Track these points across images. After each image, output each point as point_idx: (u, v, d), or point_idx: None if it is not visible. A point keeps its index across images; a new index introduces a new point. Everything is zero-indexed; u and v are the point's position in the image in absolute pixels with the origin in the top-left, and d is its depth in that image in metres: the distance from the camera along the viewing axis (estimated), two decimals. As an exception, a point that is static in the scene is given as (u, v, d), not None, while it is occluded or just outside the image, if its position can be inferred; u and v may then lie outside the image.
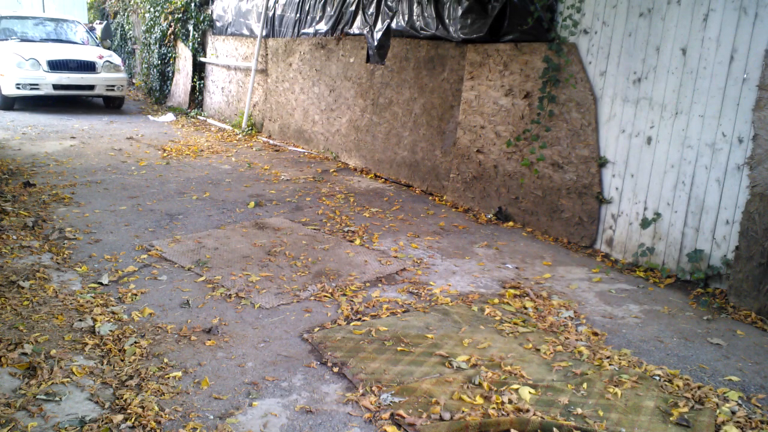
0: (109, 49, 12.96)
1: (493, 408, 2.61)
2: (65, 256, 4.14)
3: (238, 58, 10.33)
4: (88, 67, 10.85)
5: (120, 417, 2.43)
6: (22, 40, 11.26)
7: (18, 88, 10.20)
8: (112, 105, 11.80)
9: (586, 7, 4.82)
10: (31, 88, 10.31)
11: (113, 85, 11.15)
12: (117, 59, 11.42)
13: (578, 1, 4.85)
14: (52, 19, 12.57)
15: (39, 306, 3.37)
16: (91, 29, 13.75)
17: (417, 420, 2.49)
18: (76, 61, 10.73)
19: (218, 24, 11.02)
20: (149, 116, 11.12)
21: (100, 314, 3.30)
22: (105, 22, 13.49)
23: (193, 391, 2.67)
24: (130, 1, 14.67)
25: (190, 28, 11.64)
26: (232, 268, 4.08)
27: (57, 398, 2.56)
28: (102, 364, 2.83)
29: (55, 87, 10.54)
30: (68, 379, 2.69)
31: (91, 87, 10.95)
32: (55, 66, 10.48)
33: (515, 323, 3.48)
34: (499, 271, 4.34)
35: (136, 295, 3.60)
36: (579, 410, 2.63)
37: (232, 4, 10.50)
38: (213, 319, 3.36)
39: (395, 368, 2.90)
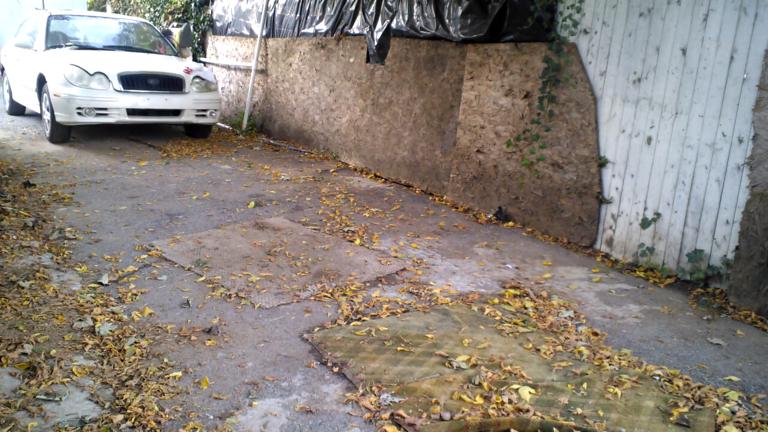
0: (190, 59, 10.12)
1: (493, 408, 2.61)
2: (65, 256, 4.14)
3: (238, 58, 10.33)
4: (174, 84, 7.93)
5: (120, 417, 2.43)
6: (80, 48, 8.37)
7: (79, 113, 7.31)
8: (197, 134, 8.87)
9: (586, 7, 4.82)
10: (98, 114, 7.41)
11: (205, 110, 8.18)
12: (209, 74, 8.49)
13: (578, 1, 4.85)
14: (116, 19, 9.71)
15: (39, 306, 3.37)
16: (166, 33, 11.03)
17: (417, 420, 2.49)
18: (158, 75, 7.84)
19: (218, 24, 11.02)
20: (149, 116, 11.10)
21: (100, 314, 3.30)
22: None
23: (193, 391, 2.67)
24: (130, 1, 14.68)
25: (190, 28, 11.62)
26: (232, 268, 4.08)
27: (57, 398, 2.56)
28: (102, 364, 2.83)
29: (130, 112, 7.60)
30: (68, 379, 2.69)
31: (177, 112, 7.99)
32: (130, 82, 7.60)
33: (515, 323, 3.48)
34: (499, 271, 4.34)
35: (136, 295, 3.60)
36: (579, 410, 2.63)
37: (232, 4, 10.50)
38: (213, 319, 3.36)
39: (395, 368, 2.90)
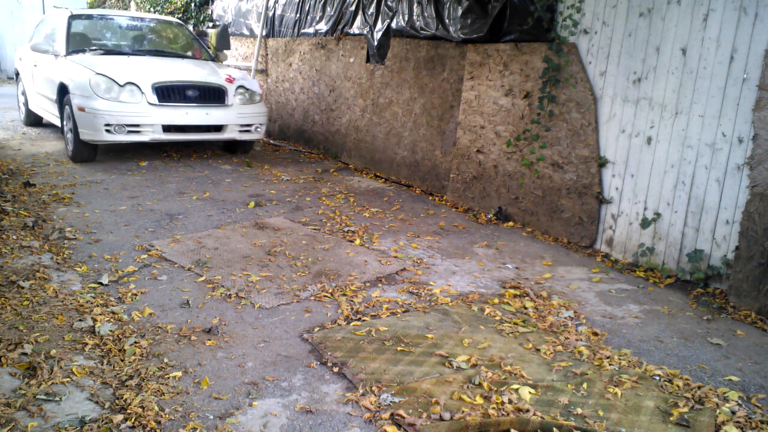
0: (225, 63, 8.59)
1: (493, 408, 2.61)
2: (65, 256, 4.14)
3: (238, 58, 10.33)
4: (215, 95, 6.88)
5: (120, 417, 2.43)
6: (106, 53, 7.39)
7: (108, 131, 6.31)
8: (239, 150, 7.78)
9: (586, 7, 4.82)
10: (129, 132, 6.42)
11: (250, 125, 7.10)
12: (253, 83, 7.38)
13: (578, 1, 4.85)
14: (144, 19, 8.56)
15: (39, 306, 3.37)
16: (201, 35, 9.87)
17: (417, 420, 2.49)
18: (197, 86, 6.78)
19: (218, 24, 11.02)
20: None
21: (100, 314, 3.30)
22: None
23: (193, 391, 2.67)
24: (129, 1, 14.68)
25: (190, 28, 11.61)
26: (232, 268, 4.08)
27: (57, 398, 2.56)
28: (102, 364, 2.83)
29: (166, 129, 6.60)
30: (68, 379, 2.69)
31: (219, 128, 6.93)
32: (166, 94, 6.58)
33: (515, 323, 3.48)
34: (499, 271, 4.34)
35: (136, 295, 3.60)
36: (579, 410, 2.63)
37: (232, 4, 10.51)
38: (213, 319, 3.36)
39: (395, 368, 2.90)
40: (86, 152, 6.74)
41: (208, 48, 8.59)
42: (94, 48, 7.43)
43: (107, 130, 6.33)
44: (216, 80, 6.97)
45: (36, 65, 7.98)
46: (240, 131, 7.08)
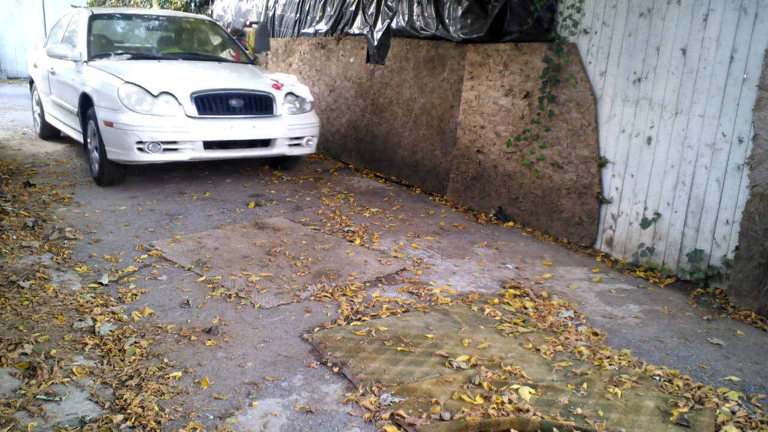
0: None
1: (493, 408, 2.61)
2: (65, 256, 4.14)
3: (238, 58, 10.31)
4: (262, 105, 5.99)
5: (120, 417, 2.43)
6: (134, 58, 6.47)
7: (141, 149, 5.41)
8: (283, 164, 6.97)
9: (586, 7, 4.82)
10: (165, 150, 5.50)
11: (300, 137, 6.22)
12: (304, 89, 6.42)
13: (578, 1, 4.85)
14: (172, 18, 7.59)
15: (39, 306, 3.37)
16: (238, 35, 9.19)
17: (417, 420, 2.49)
18: (242, 94, 5.88)
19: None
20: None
21: (100, 314, 3.30)
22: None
23: (193, 391, 2.67)
24: (130, 1, 14.68)
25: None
26: (232, 268, 4.08)
27: (57, 398, 2.56)
28: (102, 364, 2.83)
29: (207, 145, 5.69)
30: (68, 379, 2.70)
31: (266, 142, 6.04)
32: (207, 105, 5.67)
33: (515, 323, 3.49)
34: (499, 271, 4.34)
35: (136, 295, 3.60)
36: (579, 410, 2.63)
37: (232, 4, 10.51)
38: (213, 319, 3.36)
39: (395, 368, 2.90)
40: (114, 174, 5.85)
41: (246, 49, 7.75)
42: (119, 52, 6.54)
43: (140, 149, 5.42)
44: (262, 87, 6.07)
45: (53, 72, 7.06)
46: (290, 145, 6.18)
